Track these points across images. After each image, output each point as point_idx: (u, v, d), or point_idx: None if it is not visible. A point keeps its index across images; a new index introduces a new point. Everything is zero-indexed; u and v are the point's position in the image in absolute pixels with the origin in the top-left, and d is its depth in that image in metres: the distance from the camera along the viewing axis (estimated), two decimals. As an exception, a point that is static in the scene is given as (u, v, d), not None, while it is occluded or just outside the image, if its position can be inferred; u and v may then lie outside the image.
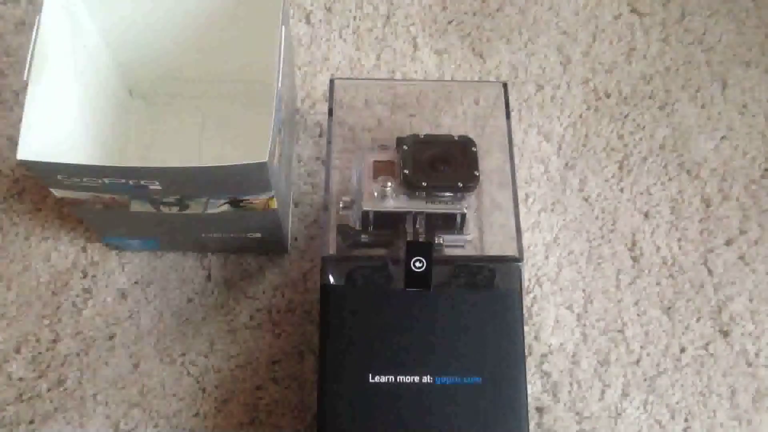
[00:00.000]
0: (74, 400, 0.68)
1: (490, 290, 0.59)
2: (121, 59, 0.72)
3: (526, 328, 0.72)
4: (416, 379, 0.56)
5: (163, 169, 0.50)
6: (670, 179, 0.79)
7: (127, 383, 0.69)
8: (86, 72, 0.67)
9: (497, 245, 0.71)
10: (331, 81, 0.67)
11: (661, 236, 0.77)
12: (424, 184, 0.65)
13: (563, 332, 0.73)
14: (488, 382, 0.57)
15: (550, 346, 0.72)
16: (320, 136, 0.80)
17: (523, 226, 0.77)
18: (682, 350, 0.72)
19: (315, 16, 0.86)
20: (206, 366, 0.70)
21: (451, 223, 0.67)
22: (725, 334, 0.73)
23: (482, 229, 0.75)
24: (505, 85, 0.66)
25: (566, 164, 0.79)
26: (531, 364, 0.71)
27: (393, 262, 0.59)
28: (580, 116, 0.82)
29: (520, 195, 0.78)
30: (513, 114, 0.81)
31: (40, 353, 0.70)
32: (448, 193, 0.66)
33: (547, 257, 0.75)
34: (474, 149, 0.67)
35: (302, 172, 0.78)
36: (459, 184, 0.65)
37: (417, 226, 0.66)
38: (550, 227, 0.77)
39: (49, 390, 0.69)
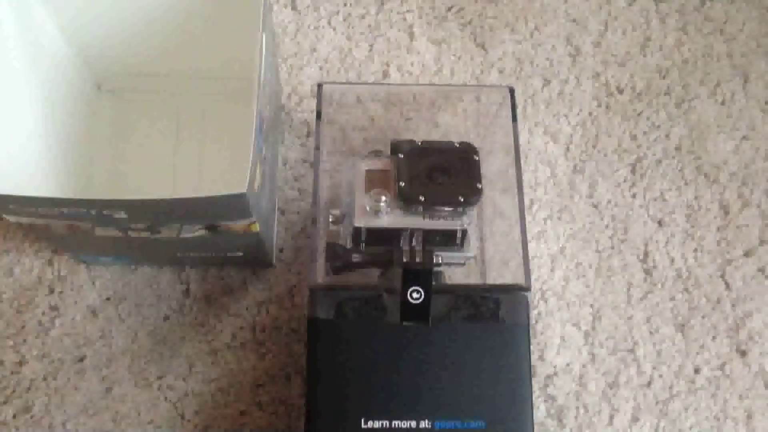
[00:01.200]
0: (42, 428, 0.63)
1: (495, 323, 0.54)
2: (85, 54, 0.65)
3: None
4: (413, 423, 0.51)
5: (127, 202, 0.44)
6: (686, 184, 0.73)
7: (98, 409, 0.64)
8: (43, 71, 0.60)
9: (499, 256, 0.66)
10: (319, 86, 0.61)
11: (676, 246, 0.71)
12: (422, 198, 0.59)
13: (569, 352, 0.68)
14: (492, 426, 0.52)
15: (555, 367, 0.67)
16: (308, 136, 0.73)
17: (528, 236, 0.70)
18: (697, 371, 0.67)
19: (302, 2, 0.79)
20: (185, 390, 0.65)
21: (451, 239, 0.61)
22: (743, 353, 0.68)
23: (484, 239, 0.70)
24: (512, 91, 0.60)
25: (574, 167, 0.73)
26: (535, 386, 0.66)
27: (388, 291, 0.54)
28: (590, 114, 0.75)
29: (525, 201, 0.71)
30: (518, 111, 0.74)
31: (4, 377, 0.64)
32: (447, 208, 0.60)
33: (552, 270, 0.70)
34: (476, 158, 0.61)
35: (288, 176, 0.72)
36: (460, 198, 0.59)
37: (413, 243, 0.60)
38: (557, 237, 0.71)
39: (14, 417, 0.63)
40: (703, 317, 0.69)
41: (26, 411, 0.64)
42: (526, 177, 0.72)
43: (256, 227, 0.52)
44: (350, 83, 0.74)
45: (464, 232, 0.60)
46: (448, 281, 0.68)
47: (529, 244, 0.71)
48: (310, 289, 0.53)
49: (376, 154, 0.65)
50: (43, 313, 0.66)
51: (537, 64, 0.77)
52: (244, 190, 0.44)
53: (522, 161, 0.73)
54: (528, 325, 0.53)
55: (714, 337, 0.68)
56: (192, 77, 0.69)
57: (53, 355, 0.65)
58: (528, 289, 0.54)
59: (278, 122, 0.72)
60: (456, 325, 0.53)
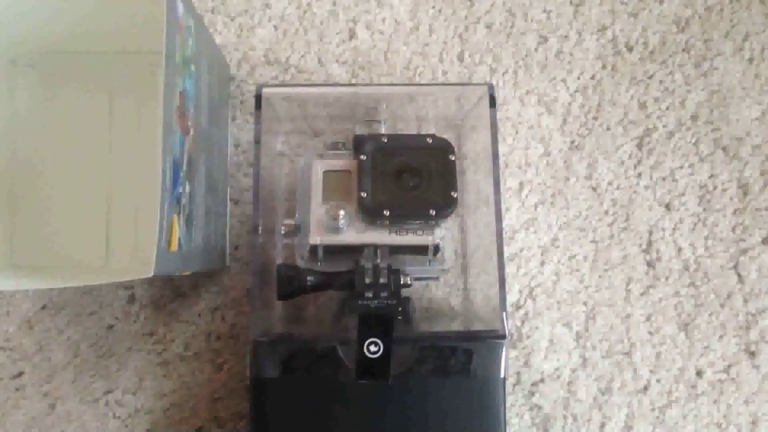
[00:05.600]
0: (-17, 450, 0.59)
1: (466, 377, 0.47)
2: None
3: (515, 353, 0.60)
4: (372, 491, 0.46)
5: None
6: (700, 160, 0.63)
7: (43, 428, 0.59)
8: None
9: (482, 250, 0.58)
10: (257, 96, 0.50)
11: (684, 234, 0.62)
12: (387, 212, 0.51)
13: (559, 355, 0.61)
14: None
15: (542, 373, 0.61)
16: (262, 112, 0.63)
17: (516, 224, 0.62)
18: (699, 374, 0.61)
19: (252, -59, 0.66)
20: (135, 406, 0.60)
21: (422, 252, 0.53)
22: (752, 354, 0.61)
23: (465, 230, 0.62)
24: (491, 91, 0.50)
25: (572, 143, 0.63)
26: (519, 395, 0.60)
27: (342, 343, 0.46)
28: (593, 78, 0.64)
29: (513, 183, 0.63)
30: (508, 77, 0.64)
31: (-63, 395, 0.59)
32: (416, 221, 0.52)
33: (542, 264, 0.62)
34: (452, 158, 0.52)
35: (241, 161, 0.63)
36: (431, 211, 0.51)
37: (378, 261, 0.52)
38: (549, 226, 0.62)
39: (-48, 438, 0.59)
40: (710, 315, 0.62)
41: (-36, 432, 0.59)
42: (516, 156, 0.63)
43: (188, 272, 0.44)
44: (297, 85, 0.62)
45: (437, 247, 0.53)
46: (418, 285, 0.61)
47: (516, 235, 0.63)
48: (254, 343, 0.46)
49: (336, 148, 0.56)
50: (-27, 326, 0.60)
51: (532, 17, 0.65)
52: (150, 274, 0.35)
53: (511, 138, 0.64)
54: (504, 378, 0.46)
55: (721, 337, 0.61)
56: (122, 53, 0.58)
57: (-12, 372, 0.60)
58: (504, 337, 0.46)
59: (225, 98, 0.61)
60: (421, 380, 0.46)
